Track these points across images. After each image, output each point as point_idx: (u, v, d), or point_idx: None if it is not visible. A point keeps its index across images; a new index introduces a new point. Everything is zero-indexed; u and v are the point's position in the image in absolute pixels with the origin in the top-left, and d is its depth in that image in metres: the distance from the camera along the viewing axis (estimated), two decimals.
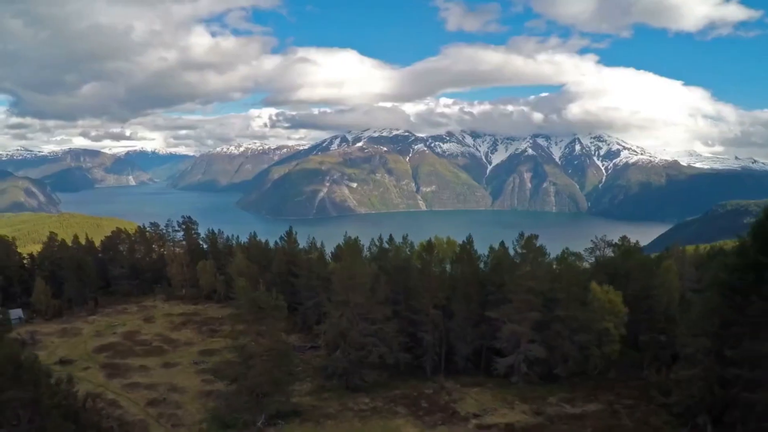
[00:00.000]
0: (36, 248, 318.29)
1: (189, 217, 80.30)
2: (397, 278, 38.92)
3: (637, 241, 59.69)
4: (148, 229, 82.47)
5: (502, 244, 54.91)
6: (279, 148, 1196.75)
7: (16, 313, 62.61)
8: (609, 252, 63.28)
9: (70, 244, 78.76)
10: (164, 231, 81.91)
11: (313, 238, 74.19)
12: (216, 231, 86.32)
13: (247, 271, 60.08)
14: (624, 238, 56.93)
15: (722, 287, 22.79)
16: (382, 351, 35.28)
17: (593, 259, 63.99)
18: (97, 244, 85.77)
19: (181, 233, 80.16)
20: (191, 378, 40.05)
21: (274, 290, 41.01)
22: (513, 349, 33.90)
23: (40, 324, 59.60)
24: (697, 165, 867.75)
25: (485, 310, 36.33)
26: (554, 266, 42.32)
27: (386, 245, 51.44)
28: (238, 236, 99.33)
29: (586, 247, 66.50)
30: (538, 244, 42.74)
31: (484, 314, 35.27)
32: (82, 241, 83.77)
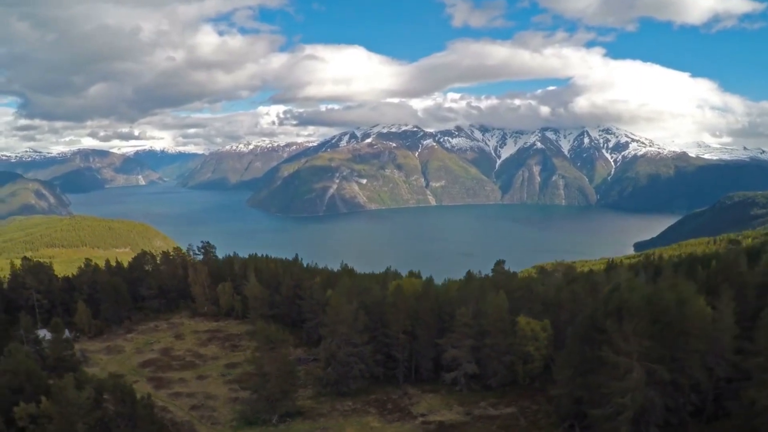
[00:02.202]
0: (50, 252, 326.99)
1: (207, 242, 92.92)
2: (375, 311, 50.60)
3: (581, 271, 71.03)
4: (172, 252, 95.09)
5: (469, 272, 66.82)
6: (288, 145, 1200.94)
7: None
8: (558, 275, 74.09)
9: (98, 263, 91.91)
10: (186, 253, 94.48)
11: (317, 263, 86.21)
12: (232, 254, 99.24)
13: (260, 295, 72.38)
14: (570, 267, 68.00)
15: (578, 337, 33.96)
16: (361, 367, 47.32)
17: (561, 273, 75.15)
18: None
19: (201, 256, 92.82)
20: (220, 387, 52.22)
21: (283, 308, 52.06)
22: (456, 366, 45.49)
23: (85, 342, 68.95)
24: (706, 156, 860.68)
25: (442, 334, 47.95)
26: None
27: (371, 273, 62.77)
28: (255, 253, 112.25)
29: (540, 267, 77.97)
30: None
31: (436, 341, 47.00)
32: (113, 264, 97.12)
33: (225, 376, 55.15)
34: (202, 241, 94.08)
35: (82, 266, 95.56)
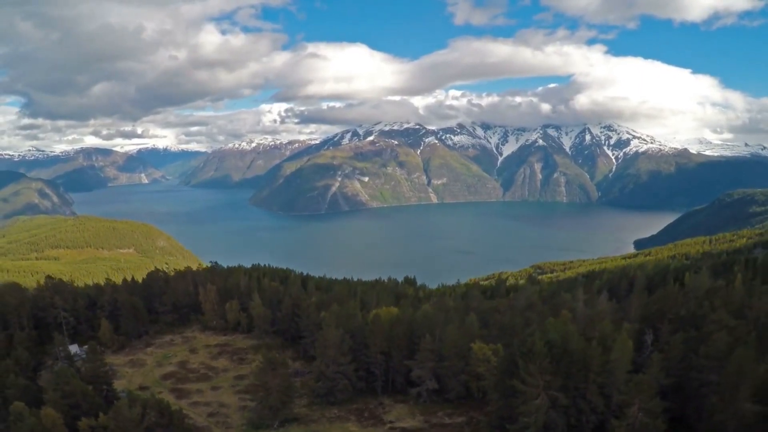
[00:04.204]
0: (55, 253, 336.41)
1: (215, 262, 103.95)
2: (358, 334, 61.22)
3: (569, 277, 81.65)
4: (183, 271, 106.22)
5: (441, 296, 77.21)
6: (290, 143, 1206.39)
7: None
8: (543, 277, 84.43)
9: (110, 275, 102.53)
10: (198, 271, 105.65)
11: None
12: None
13: (263, 314, 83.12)
14: (534, 291, 78.24)
15: (502, 369, 44.45)
16: (345, 382, 58.14)
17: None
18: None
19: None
20: (231, 397, 62.98)
21: (283, 325, 62.24)
22: (421, 382, 56.15)
23: (110, 356, 75.21)
24: (707, 152, 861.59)
25: (413, 354, 58.49)
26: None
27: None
28: (258, 263, 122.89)
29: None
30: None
31: (405, 362, 57.68)
32: (128, 279, 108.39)
33: (234, 387, 65.92)
34: (211, 261, 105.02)
35: (102, 284, 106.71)
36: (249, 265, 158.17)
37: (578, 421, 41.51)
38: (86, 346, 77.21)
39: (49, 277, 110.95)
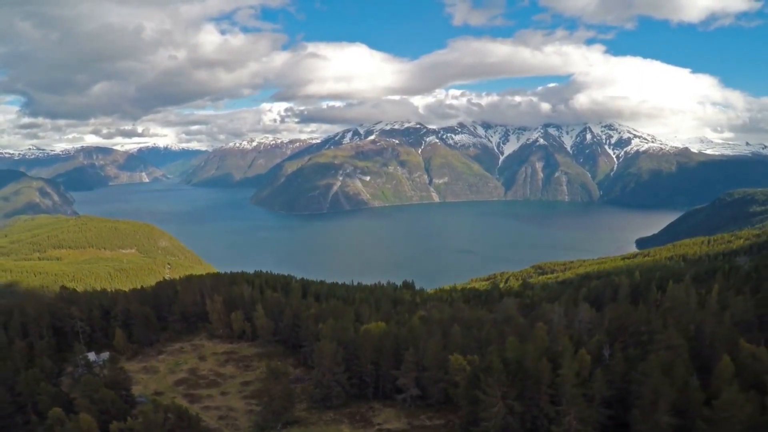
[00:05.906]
0: (57, 253, 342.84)
1: (220, 272, 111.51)
2: (350, 347, 68.69)
3: (562, 278, 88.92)
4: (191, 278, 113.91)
5: (430, 311, 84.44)
6: (291, 142, 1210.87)
7: (104, 356, 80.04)
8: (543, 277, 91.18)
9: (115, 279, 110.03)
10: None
11: (314, 299, 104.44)
12: (241, 270, 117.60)
13: (266, 324, 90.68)
14: (510, 306, 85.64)
15: (468, 380, 51.83)
16: (339, 390, 65.66)
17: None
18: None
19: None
20: (239, 401, 70.39)
21: (285, 334, 70.22)
22: (405, 389, 63.66)
23: (124, 363, 79.20)
24: (708, 152, 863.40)
25: (400, 363, 65.97)
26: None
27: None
28: (260, 270, 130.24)
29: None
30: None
31: (392, 371, 65.22)
32: (131, 280, 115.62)
33: (241, 393, 73.46)
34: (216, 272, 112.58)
35: (114, 293, 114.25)
36: (251, 268, 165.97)
37: (533, 425, 48.78)
38: (103, 354, 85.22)
39: (63, 287, 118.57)
